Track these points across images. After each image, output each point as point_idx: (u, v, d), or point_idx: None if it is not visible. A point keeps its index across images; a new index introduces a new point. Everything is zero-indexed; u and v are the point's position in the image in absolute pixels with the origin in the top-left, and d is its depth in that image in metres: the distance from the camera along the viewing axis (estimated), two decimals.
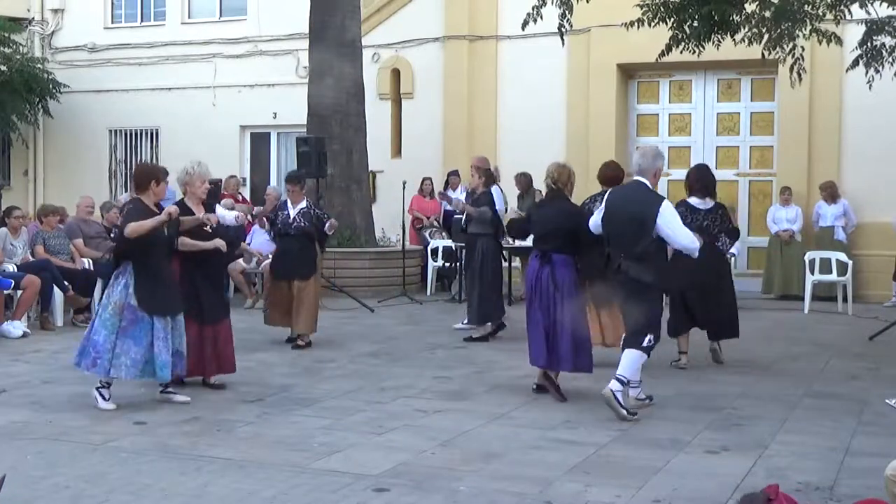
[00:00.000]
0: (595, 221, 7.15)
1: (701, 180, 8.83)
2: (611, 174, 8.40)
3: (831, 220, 14.17)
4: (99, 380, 6.95)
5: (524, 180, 14.11)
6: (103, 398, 6.93)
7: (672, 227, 6.77)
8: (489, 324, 10.44)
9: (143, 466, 5.49)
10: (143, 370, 6.89)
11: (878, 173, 14.26)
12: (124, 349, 6.80)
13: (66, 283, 11.09)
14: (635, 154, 7.26)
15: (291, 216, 9.88)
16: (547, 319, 7.25)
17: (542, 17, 9.86)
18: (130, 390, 7.39)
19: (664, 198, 6.95)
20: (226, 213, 8.36)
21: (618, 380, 6.70)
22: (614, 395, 6.65)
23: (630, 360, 6.76)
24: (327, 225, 9.91)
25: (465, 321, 10.81)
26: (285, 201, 10.15)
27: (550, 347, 7.26)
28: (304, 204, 9.97)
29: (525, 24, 9.90)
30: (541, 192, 14.29)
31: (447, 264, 14.94)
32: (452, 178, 15.54)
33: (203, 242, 7.48)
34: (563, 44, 10.45)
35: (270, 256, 13.45)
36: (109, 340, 6.79)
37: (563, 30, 9.99)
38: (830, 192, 14.21)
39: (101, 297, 7.36)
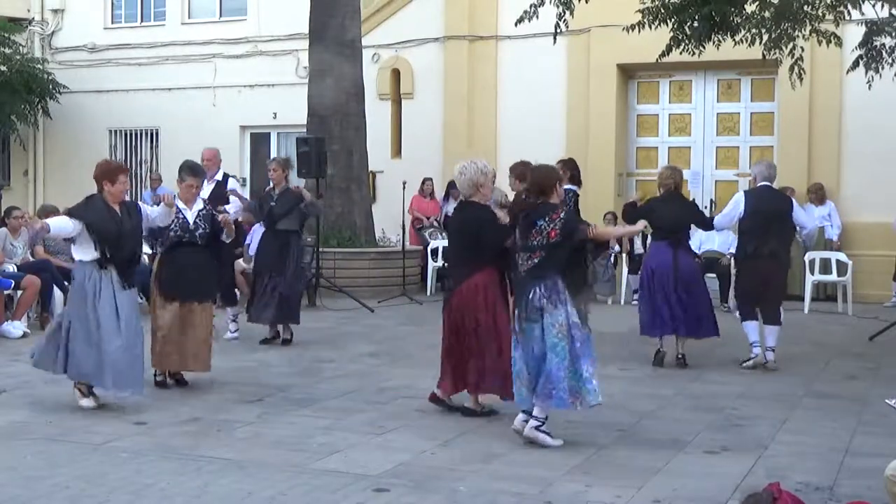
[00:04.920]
0: (725, 219, 9.23)
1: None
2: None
3: (819, 221, 14.26)
4: (538, 412, 6.05)
5: None
6: (547, 435, 6.04)
7: (801, 215, 9.35)
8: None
9: (143, 466, 5.49)
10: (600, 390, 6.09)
11: (877, 173, 14.25)
12: (591, 373, 6.01)
13: (66, 283, 11.08)
14: (759, 165, 9.21)
15: (190, 220, 7.85)
16: (685, 294, 8.74)
17: (538, 17, 9.86)
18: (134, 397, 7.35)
19: (788, 195, 9.62)
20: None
21: (773, 351, 8.75)
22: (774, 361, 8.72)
23: (778, 333, 8.84)
24: (225, 233, 8.08)
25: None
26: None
27: (678, 316, 8.75)
28: (200, 205, 8.00)
29: (520, 20, 9.90)
30: None
31: (447, 264, 14.92)
32: (453, 191, 15.54)
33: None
34: (554, 42, 10.45)
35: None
36: (562, 368, 5.95)
37: (559, 29, 9.99)
38: (818, 195, 14.30)
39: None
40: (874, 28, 10.63)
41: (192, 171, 7.96)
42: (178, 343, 7.67)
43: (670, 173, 9.16)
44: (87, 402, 6.98)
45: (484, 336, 6.58)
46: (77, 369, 6.90)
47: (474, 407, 6.78)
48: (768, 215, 8.81)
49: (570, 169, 9.93)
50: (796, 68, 10.76)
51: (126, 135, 19.24)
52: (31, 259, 11.32)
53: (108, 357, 6.77)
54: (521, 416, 6.15)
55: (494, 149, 16.20)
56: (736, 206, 9.04)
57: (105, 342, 6.78)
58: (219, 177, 10.82)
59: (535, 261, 6.07)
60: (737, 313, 9.37)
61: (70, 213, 7.00)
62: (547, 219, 6.09)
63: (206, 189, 10.70)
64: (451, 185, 15.67)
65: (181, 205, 7.82)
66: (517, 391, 6.16)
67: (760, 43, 10.59)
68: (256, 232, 13.88)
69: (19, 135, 18.82)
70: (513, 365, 6.16)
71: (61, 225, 7.00)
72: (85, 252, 6.94)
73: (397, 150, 17.09)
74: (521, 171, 8.94)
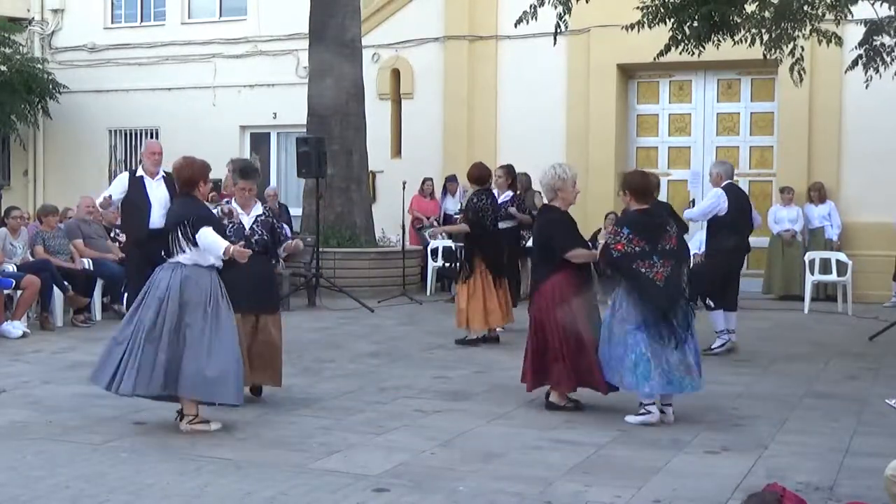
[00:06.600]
0: (705, 213, 9.51)
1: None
2: (486, 174, 10.16)
3: (818, 220, 14.28)
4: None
5: (525, 180, 14.16)
6: (650, 413, 6.54)
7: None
8: None
9: (143, 466, 5.49)
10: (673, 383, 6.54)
11: (877, 173, 14.25)
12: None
13: (66, 283, 11.09)
14: (723, 165, 9.70)
15: (247, 226, 7.17)
16: None
17: (536, 18, 9.86)
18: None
19: None
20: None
21: (734, 332, 9.44)
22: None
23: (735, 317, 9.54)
24: (283, 247, 7.44)
25: None
26: (226, 203, 7.37)
27: None
28: (259, 209, 7.31)
29: (519, 21, 9.90)
30: (539, 192, 14.31)
31: (447, 264, 14.94)
32: (450, 184, 15.53)
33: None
34: (554, 43, 10.46)
35: None
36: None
37: (559, 30, 9.99)
38: (819, 194, 14.31)
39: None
40: (874, 28, 10.63)
41: (242, 174, 7.26)
42: (248, 357, 6.95)
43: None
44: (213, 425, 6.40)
45: (562, 335, 6.80)
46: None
47: (558, 402, 6.96)
48: (744, 211, 9.48)
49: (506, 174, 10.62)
50: (796, 68, 10.76)
51: (126, 135, 19.23)
52: (31, 259, 11.32)
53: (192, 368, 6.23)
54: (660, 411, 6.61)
55: (494, 149, 16.20)
56: (717, 200, 9.32)
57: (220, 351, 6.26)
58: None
59: (668, 268, 6.50)
60: (709, 302, 9.38)
61: (209, 225, 6.27)
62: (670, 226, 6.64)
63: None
64: (448, 180, 15.66)
65: (238, 209, 7.19)
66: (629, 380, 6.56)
67: (760, 43, 10.59)
68: None
69: (19, 135, 18.82)
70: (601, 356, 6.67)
71: (212, 241, 6.21)
72: (204, 257, 6.25)
73: (397, 150, 17.09)
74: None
